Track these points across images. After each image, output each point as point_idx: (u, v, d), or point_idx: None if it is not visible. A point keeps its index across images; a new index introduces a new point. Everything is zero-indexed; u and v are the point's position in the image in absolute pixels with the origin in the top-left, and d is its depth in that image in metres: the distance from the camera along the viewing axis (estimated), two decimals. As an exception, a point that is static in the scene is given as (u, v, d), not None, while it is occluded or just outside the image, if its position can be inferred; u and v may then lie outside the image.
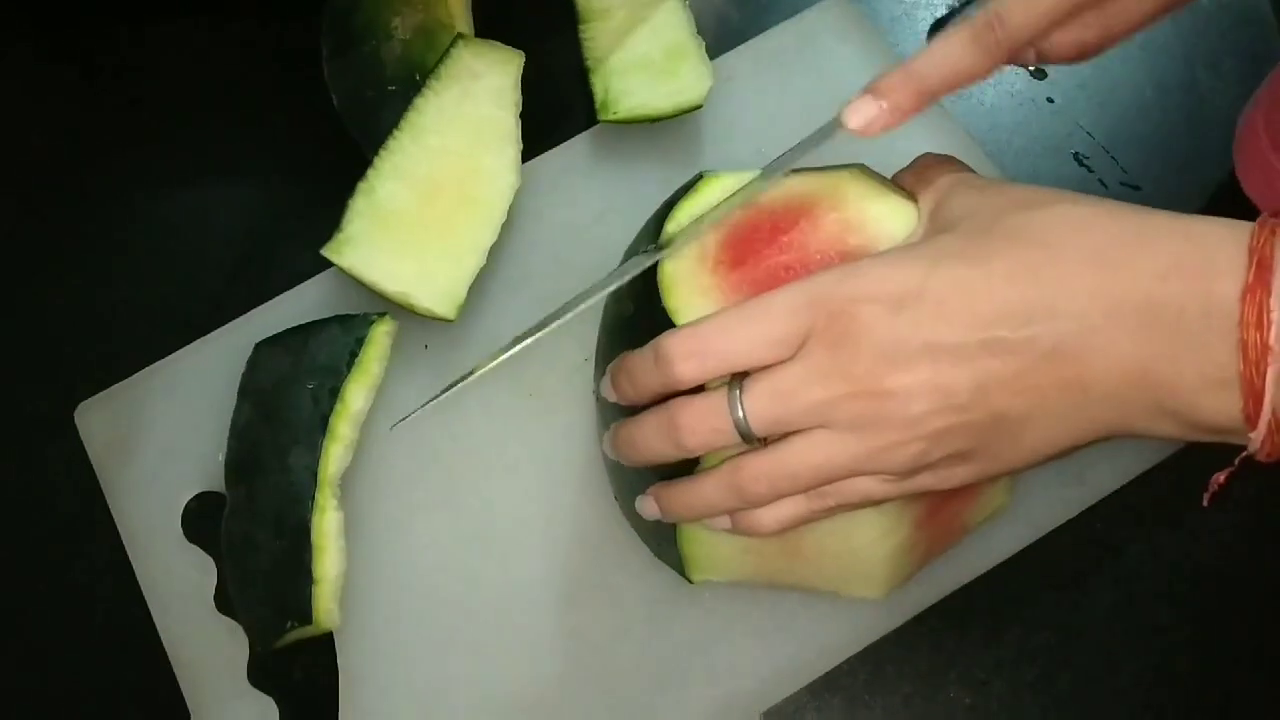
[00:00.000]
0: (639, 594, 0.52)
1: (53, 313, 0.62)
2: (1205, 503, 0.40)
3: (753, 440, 0.40)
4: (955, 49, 0.41)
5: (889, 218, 0.44)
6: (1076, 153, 0.61)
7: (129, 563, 0.54)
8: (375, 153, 0.59)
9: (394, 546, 0.54)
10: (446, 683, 0.51)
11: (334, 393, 0.54)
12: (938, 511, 0.46)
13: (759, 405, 0.39)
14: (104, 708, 0.53)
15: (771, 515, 0.42)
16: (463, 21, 0.63)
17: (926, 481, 0.40)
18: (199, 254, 0.62)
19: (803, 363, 0.39)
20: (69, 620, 0.55)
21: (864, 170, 0.46)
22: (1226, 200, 0.59)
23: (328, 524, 0.52)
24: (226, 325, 0.58)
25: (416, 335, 0.57)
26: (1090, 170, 0.61)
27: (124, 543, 0.54)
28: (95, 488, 0.56)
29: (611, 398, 0.44)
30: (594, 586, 0.52)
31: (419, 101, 0.58)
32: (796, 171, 0.46)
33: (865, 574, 0.47)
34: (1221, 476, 0.39)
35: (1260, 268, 0.34)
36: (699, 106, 0.60)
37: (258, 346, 0.55)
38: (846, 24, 0.63)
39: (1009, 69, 0.63)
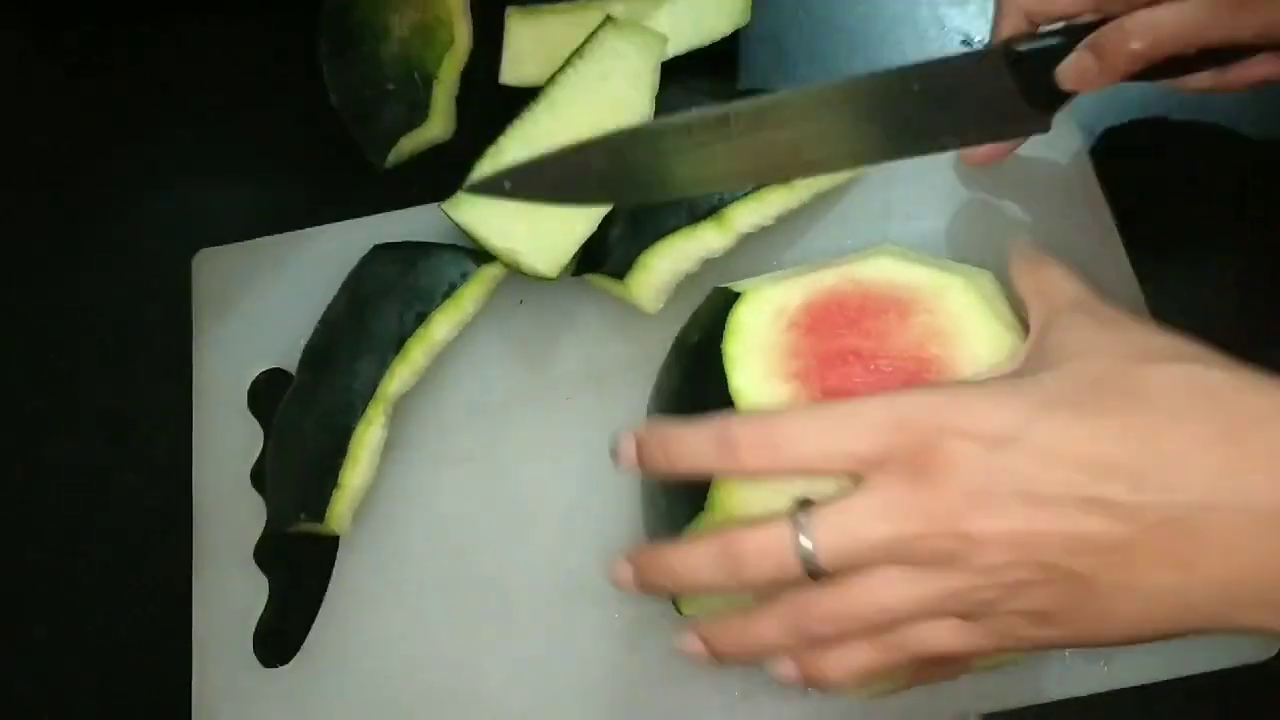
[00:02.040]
0: (650, 609, 0.51)
1: (52, 312, 0.63)
2: None
3: (819, 576, 0.37)
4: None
5: (981, 341, 0.41)
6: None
7: (121, 562, 0.57)
8: (374, 152, 0.61)
9: (424, 485, 0.55)
10: (426, 628, 0.52)
11: (420, 317, 0.56)
12: None
13: (828, 538, 0.37)
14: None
15: (842, 668, 0.39)
16: (461, 20, 0.63)
17: (999, 640, 0.37)
18: (196, 253, 0.63)
19: (879, 494, 0.36)
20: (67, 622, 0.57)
21: (983, 279, 0.44)
22: (1229, 200, 0.57)
23: (369, 437, 0.54)
24: (359, 219, 0.60)
25: (514, 288, 0.58)
26: (1094, 171, 0.57)
27: (192, 394, 0.58)
28: (92, 482, 0.58)
29: (628, 464, 0.41)
30: (603, 593, 0.51)
31: (559, 76, 0.58)
32: (918, 258, 0.44)
33: None
34: None
35: None
36: None
37: (375, 248, 0.58)
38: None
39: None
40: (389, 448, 0.55)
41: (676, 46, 0.62)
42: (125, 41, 0.70)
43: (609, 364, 0.56)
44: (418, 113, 0.62)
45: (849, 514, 0.37)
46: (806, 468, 0.38)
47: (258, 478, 0.56)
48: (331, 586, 0.54)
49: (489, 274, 0.57)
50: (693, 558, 0.39)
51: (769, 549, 0.37)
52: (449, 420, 0.56)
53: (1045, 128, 0.51)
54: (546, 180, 0.48)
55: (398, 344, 0.55)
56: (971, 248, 0.56)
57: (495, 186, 0.48)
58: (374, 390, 0.55)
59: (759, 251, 0.57)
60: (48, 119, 0.70)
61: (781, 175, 0.52)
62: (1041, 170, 0.57)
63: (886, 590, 0.37)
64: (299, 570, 0.54)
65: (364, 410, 0.54)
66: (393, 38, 0.63)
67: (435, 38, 0.63)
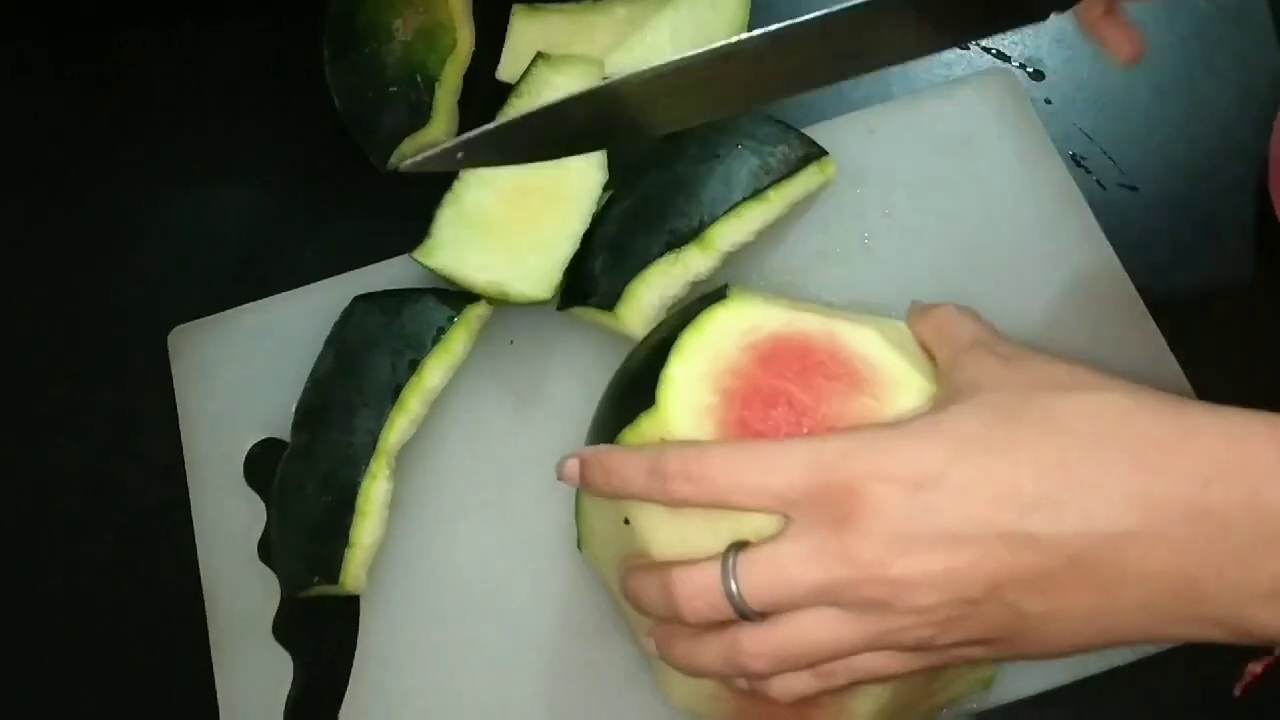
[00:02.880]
0: None
1: (53, 314, 0.63)
2: (1237, 693, 0.38)
3: (750, 617, 0.38)
4: None
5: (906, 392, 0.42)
6: (1074, 154, 0.61)
7: (129, 563, 0.56)
8: (376, 154, 0.61)
9: (437, 534, 0.54)
10: (460, 680, 0.51)
11: (413, 365, 0.54)
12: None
13: (756, 584, 0.37)
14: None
15: (781, 689, 0.39)
16: (464, 24, 0.64)
17: (937, 661, 0.38)
18: (199, 255, 0.63)
19: (805, 539, 0.37)
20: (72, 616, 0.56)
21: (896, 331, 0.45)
22: (1228, 200, 0.58)
23: (376, 491, 0.52)
24: (334, 277, 0.59)
25: (503, 329, 0.57)
26: (1088, 171, 0.60)
27: (186, 472, 0.56)
28: (101, 483, 0.58)
29: (572, 482, 0.43)
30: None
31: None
32: (905, 349, 0.44)
33: None
34: (1258, 668, 0.37)
35: None
36: None
37: (355, 300, 0.56)
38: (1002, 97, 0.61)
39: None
40: (397, 503, 0.53)
41: (677, 51, 0.62)
42: (127, 43, 0.70)
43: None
44: (420, 115, 0.61)
45: (775, 559, 0.37)
46: (730, 502, 0.38)
47: (265, 551, 0.54)
48: (358, 653, 0.52)
49: (476, 313, 0.56)
50: (643, 588, 0.41)
51: (701, 591, 0.38)
52: (455, 468, 0.55)
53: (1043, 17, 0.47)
54: (516, 142, 0.44)
55: (393, 394, 0.54)
56: (946, 242, 0.57)
57: (448, 158, 0.43)
58: (374, 444, 0.53)
59: (744, 261, 0.57)
60: (51, 120, 0.69)
61: (793, 90, 0.46)
62: (1011, 159, 0.58)
63: (818, 630, 0.37)
64: (323, 641, 0.52)
65: (367, 465, 0.53)
66: (395, 41, 0.62)
67: (438, 41, 0.63)
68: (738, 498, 0.38)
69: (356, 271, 0.59)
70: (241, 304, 0.60)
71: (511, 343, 0.57)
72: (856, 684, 0.39)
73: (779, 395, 0.41)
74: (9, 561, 0.57)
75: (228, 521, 0.55)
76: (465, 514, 0.54)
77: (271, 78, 0.67)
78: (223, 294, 0.61)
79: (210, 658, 0.52)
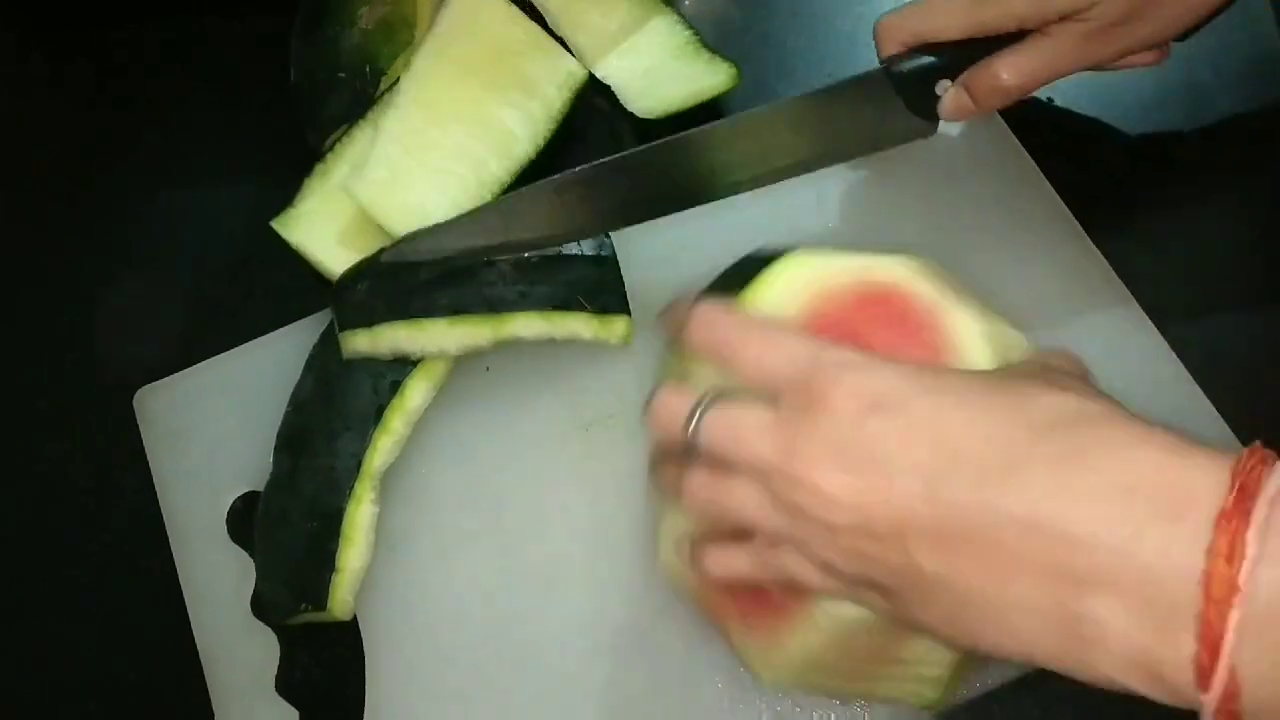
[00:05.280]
0: (679, 648, 0.50)
1: (51, 314, 0.63)
2: None
3: (693, 451, 0.40)
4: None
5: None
6: (1074, 155, 0.60)
7: (124, 563, 0.55)
8: (313, 135, 0.61)
9: (431, 569, 0.53)
10: (467, 707, 0.50)
11: (395, 385, 0.54)
12: None
13: (711, 426, 0.40)
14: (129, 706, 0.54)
15: (716, 564, 0.43)
16: (428, 20, 0.63)
17: (844, 591, 0.39)
18: (198, 254, 0.63)
19: (770, 413, 0.39)
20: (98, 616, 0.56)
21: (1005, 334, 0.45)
22: (1229, 200, 0.59)
23: (361, 516, 0.52)
24: (294, 323, 0.58)
25: (479, 358, 0.56)
26: (1090, 172, 0.60)
27: (167, 534, 0.54)
28: (99, 484, 0.57)
29: (672, 332, 0.45)
30: (634, 637, 0.50)
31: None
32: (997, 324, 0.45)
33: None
34: None
35: (1242, 494, 0.31)
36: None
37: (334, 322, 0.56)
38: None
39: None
40: (386, 534, 0.53)
41: (668, 106, 0.62)
42: (125, 41, 0.70)
43: (590, 410, 0.55)
44: (360, 106, 0.61)
45: (739, 414, 0.39)
46: (730, 361, 0.41)
47: (258, 606, 0.52)
48: (367, 705, 0.51)
49: (457, 331, 0.55)
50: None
51: (671, 412, 0.41)
52: (443, 497, 0.54)
53: (931, 133, 0.53)
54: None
55: (375, 416, 0.53)
56: (911, 228, 0.58)
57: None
58: (358, 467, 0.52)
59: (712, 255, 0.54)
60: (45, 120, 0.69)
61: (693, 201, 0.54)
62: (966, 148, 0.59)
63: (745, 499, 0.39)
64: (328, 690, 0.51)
65: (352, 488, 0.52)
66: (356, 28, 0.63)
67: (396, 35, 0.63)
68: (737, 360, 0.40)
69: (318, 315, 0.58)
70: (239, 304, 0.60)
71: (487, 369, 0.57)
72: (784, 582, 0.40)
73: (855, 335, 0.43)
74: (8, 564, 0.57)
75: (217, 580, 0.53)
76: (459, 543, 0.53)
77: (271, 76, 0.66)
78: (219, 294, 0.61)
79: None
